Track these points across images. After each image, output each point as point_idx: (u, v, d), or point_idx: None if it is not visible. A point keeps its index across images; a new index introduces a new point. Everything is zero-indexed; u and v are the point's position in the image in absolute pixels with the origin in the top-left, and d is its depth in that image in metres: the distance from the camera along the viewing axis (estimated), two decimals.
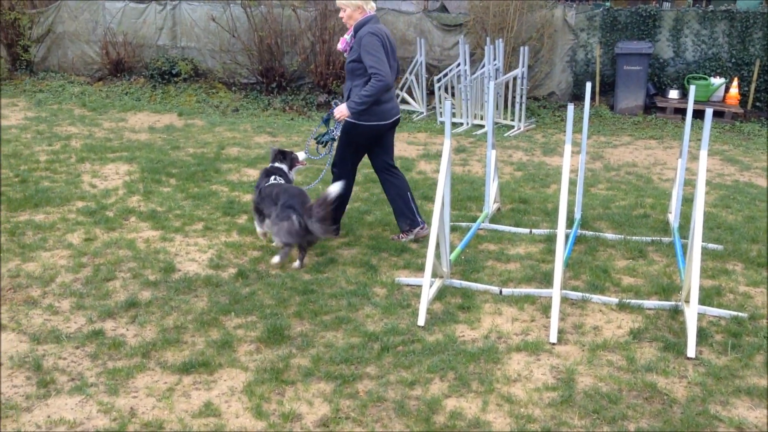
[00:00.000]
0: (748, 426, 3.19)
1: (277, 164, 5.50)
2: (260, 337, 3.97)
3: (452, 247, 5.22)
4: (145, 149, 8.38)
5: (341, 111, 5.25)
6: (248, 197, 6.63)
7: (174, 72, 12.23)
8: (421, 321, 4.18)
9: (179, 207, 6.27)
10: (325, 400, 3.40)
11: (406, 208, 5.51)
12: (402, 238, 5.55)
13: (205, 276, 4.81)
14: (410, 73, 11.68)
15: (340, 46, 5.45)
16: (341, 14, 5.32)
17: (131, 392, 3.46)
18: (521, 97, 10.56)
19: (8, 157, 7.75)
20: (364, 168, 7.82)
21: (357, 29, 5.22)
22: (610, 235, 5.72)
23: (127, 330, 4.07)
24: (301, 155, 5.66)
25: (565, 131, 10.05)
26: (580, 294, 4.58)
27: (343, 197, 5.38)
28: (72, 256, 5.11)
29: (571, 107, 4.67)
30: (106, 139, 8.93)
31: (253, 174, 7.52)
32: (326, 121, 5.49)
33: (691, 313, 3.92)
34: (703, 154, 4.29)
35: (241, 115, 11.16)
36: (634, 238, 5.64)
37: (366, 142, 5.44)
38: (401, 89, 11.91)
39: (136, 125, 10.03)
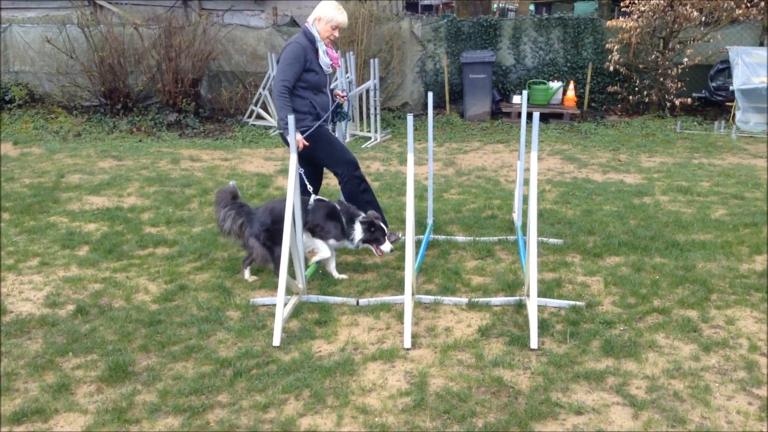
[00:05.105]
0: (586, 409, 3.37)
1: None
2: (101, 377, 3.72)
3: (308, 263, 5.18)
4: None
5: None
6: (91, 227, 6.25)
7: (7, 98, 11.38)
8: (276, 341, 4.09)
9: (12, 243, 5.80)
10: None
11: None
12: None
13: (40, 316, 4.45)
14: (263, 88, 11.56)
15: (339, 63, 5.37)
16: (338, 34, 5.29)
17: None
18: (375, 108, 10.74)
19: None
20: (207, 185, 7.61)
21: None
22: (460, 238, 5.91)
23: None
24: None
25: (420, 140, 10.35)
26: (432, 297, 4.68)
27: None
28: None
29: (410, 117, 4.77)
30: None
31: (97, 201, 7.11)
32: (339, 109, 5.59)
33: (532, 306, 4.11)
34: (534, 155, 4.52)
35: (83, 140, 10.54)
36: (482, 238, 5.86)
37: None
38: (255, 104, 11.76)
39: None
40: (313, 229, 5.01)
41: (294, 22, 13.74)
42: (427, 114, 5.79)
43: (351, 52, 10.95)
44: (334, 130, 5.72)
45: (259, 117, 11.78)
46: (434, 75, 12.59)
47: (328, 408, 3.44)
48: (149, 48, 11.46)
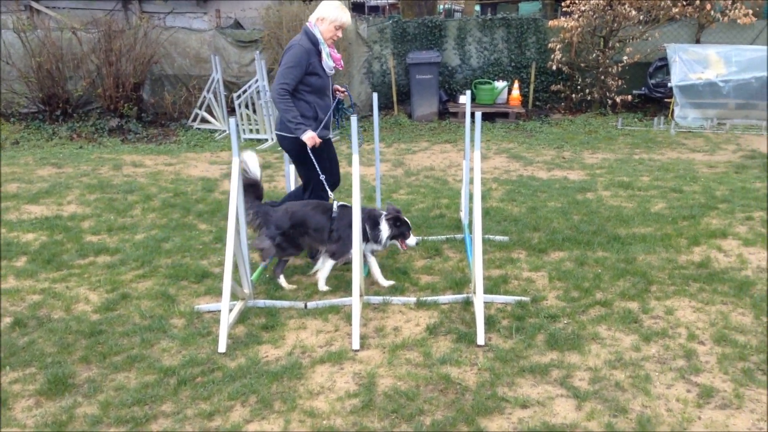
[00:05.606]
0: (531, 402, 3.42)
1: None
2: (40, 390, 3.60)
3: (254, 267, 5.12)
4: None
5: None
6: (29, 236, 6.05)
7: None
8: (222, 347, 4.03)
9: None
10: None
11: None
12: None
13: None
14: (208, 92, 11.38)
15: (342, 64, 5.21)
16: (341, 34, 5.10)
17: None
18: None
19: None
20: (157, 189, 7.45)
21: None
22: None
23: None
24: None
25: (368, 141, 10.34)
26: (381, 298, 4.68)
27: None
28: None
29: (354, 118, 4.77)
30: None
31: (35, 210, 6.89)
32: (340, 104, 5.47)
33: (478, 302, 4.15)
34: (477, 154, 4.56)
35: (21, 148, 10.21)
36: (431, 237, 5.89)
37: None
38: (200, 108, 11.58)
39: None
40: (336, 239, 4.88)
41: (238, 24, 13.58)
42: (379, 115, 5.77)
43: None
44: (336, 128, 5.56)
45: (203, 120, 11.61)
46: (381, 76, 12.62)
47: (275, 413, 3.40)
48: (89, 52, 11.17)
